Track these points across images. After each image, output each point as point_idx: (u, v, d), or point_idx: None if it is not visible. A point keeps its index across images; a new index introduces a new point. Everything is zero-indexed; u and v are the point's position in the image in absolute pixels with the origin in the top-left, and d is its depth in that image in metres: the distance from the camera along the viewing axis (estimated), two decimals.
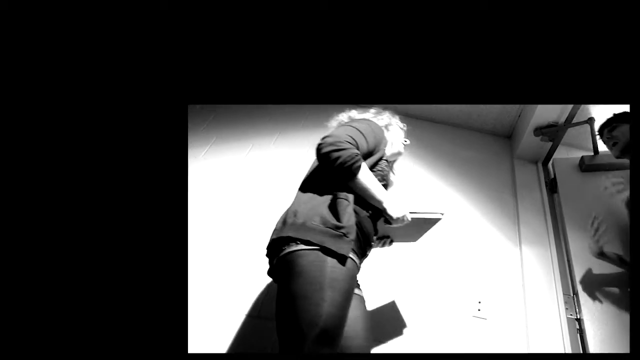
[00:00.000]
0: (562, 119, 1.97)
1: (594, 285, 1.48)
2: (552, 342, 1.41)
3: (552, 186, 1.97)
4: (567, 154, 2.15)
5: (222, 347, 1.37)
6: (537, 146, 2.08)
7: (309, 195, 1.06)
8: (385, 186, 1.21)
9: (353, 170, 1.02)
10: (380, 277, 1.60)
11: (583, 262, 1.54)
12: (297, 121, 2.29)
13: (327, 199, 1.03)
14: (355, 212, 1.04)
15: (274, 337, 1.32)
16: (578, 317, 1.46)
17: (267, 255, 1.03)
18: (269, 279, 1.50)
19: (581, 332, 1.42)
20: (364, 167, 1.06)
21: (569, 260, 1.64)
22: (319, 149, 1.02)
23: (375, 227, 1.14)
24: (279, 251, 0.96)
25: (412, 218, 1.10)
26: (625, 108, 1.59)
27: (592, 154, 1.92)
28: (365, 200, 1.08)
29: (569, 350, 1.39)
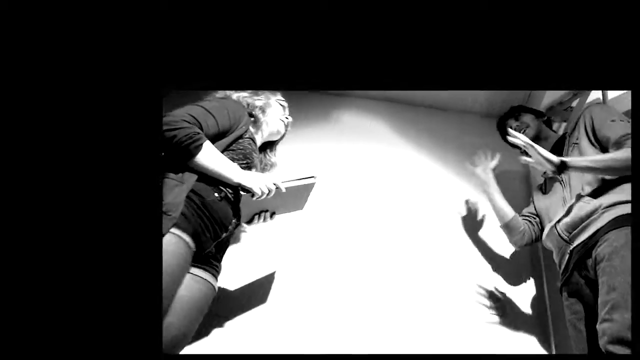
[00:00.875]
0: (574, 103, 1.87)
1: None
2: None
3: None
4: None
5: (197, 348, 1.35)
6: None
7: None
8: (249, 166, 1.19)
9: (191, 150, 1.01)
10: (394, 274, 1.55)
11: None
12: (294, 118, 2.24)
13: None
14: (199, 194, 1.03)
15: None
16: None
17: None
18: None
19: None
20: (207, 145, 1.04)
21: None
22: None
23: (235, 207, 1.12)
24: None
25: (285, 187, 1.11)
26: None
27: None
28: (216, 181, 1.06)
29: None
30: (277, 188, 1.10)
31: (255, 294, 1.51)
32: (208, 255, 1.10)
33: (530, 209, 1.46)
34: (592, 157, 1.20)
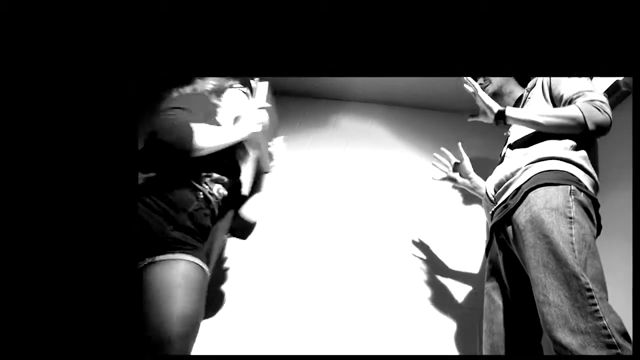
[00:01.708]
0: None
1: None
2: None
3: None
4: None
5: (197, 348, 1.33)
6: None
7: None
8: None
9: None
10: (396, 277, 1.53)
11: None
12: (292, 125, 2.23)
13: None
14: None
15: None
16: None
17: None
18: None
19: None
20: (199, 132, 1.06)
21: None
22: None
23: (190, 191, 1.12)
24: None
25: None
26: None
27: None
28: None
29: None
30: (264, 109, 1.17)
31: (255, 294, 1.50)
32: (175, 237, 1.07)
33: None
34: (533, 109, 1.13)
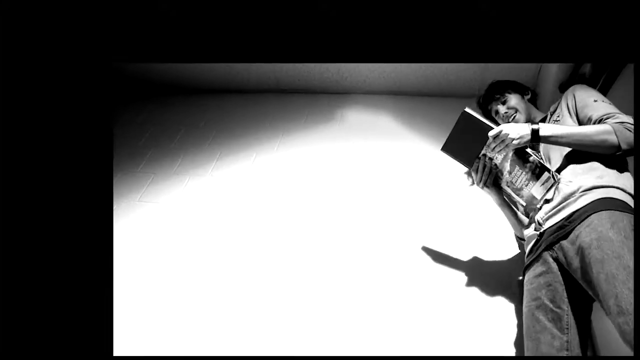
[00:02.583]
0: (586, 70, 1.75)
1: None
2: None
3: None
4: None
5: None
6: None
7: None
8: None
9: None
10: (405, 270, 1.50)
11: None
12: (298, 121, 2.22)
13: None
14: None
15: None
16: None
17: None
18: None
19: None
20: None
21: None
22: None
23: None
24: None
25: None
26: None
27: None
28: None
29: None
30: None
31: (258, 291, 1.49)
32: None
33: None
34: (568, 126, 1.14)
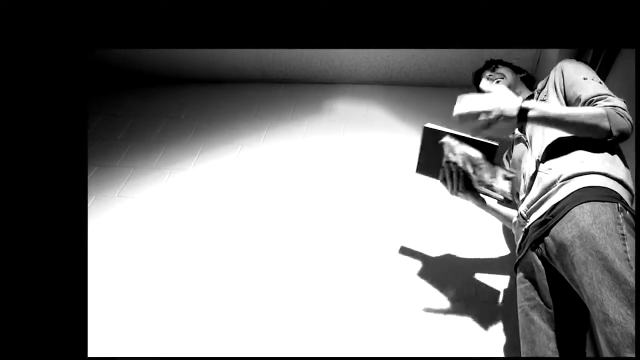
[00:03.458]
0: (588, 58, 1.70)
1: None
2: None
3: None
4: None
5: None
6: None
7: None
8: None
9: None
10: (400, 267, 1.44)
11: None
12: (285, 112, 2.14)
13: None
14: None
15: None
16: None
17: None
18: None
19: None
20: None
21: None
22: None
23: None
24: None
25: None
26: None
27: None
28: None
29: None
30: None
31: (243, 290, 1.43)
32: None
33: None
34: (557, 106, 1.07)
